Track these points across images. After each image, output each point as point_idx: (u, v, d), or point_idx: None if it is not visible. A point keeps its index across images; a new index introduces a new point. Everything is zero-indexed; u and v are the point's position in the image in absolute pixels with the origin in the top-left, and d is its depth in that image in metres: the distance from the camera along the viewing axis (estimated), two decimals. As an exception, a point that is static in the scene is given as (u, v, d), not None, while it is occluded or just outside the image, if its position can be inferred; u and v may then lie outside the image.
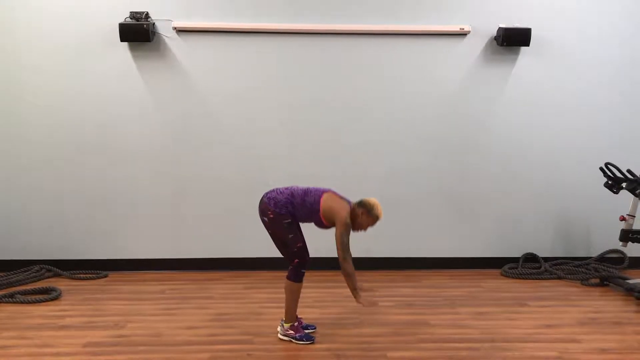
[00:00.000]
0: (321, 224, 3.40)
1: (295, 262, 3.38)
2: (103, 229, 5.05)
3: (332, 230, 3.38)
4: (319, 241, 3.82)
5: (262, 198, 3.46)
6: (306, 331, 3.51)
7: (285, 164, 5.06)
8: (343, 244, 3.27)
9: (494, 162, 5.17)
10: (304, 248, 3.41)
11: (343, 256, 3.27)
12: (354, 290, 3.32)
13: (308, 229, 3.52)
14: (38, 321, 3.79)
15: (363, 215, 3.32)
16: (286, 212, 3.34)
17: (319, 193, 3.37)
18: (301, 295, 3.46)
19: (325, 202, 3.33)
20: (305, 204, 3.34)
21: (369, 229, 3.43)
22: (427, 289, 4.60)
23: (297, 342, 3.41)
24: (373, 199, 3.36)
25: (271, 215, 3.35)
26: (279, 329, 3.54)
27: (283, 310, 3.53)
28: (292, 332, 3.44)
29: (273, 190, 3.45)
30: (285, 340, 3.46)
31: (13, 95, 4.92)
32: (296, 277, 3.39)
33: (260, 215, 3.45)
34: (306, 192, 3.39)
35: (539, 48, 5.04)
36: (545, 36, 5.04)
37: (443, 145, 5.13)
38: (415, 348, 3.34)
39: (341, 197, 3.42)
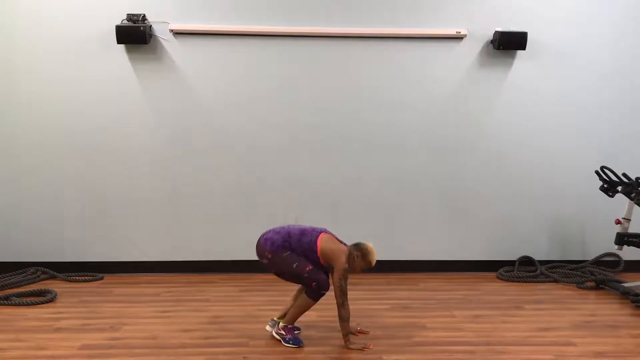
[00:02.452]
0: (318, 264, 3.37)
1: (314, 286, 3.31)
2: (99, 231, 5.04)
3: None
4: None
5: (258, 240, 3.44)
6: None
7: (283, 166, 5.07)
8: (341, 289, 3.29)
9: (490, 165, 5.18)
10: (315, 270, 3.32)
11: (341, 301, 3.29)
12: (346, 335, 3.37)
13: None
14: (33, 323, 3.78)
15: (358, 258, 3.33)
16: (283, 248, 3.34)
17: (315, 233, 3.38)
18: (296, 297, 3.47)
19: (323, 243, 3.34)
20: (302, 244, 3.34)
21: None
22: (423, 291, 4.61)
23: (285, 344, 3.41)
24: (370, 245, 3.36)
25: (269, 256, 3.35)
26: (268, 327, 3.55)
27: (279, 313, 3.54)
28: (283, 332, 3.44)
29: (269, 231, 3.44)
30: (277, 338, 3.46)
31: (9, 98, 4.91)
32: (315, 297, 3.36)
33: (259, 258, 3.44)
34: (302, 232, 3.39)
35: (535, 52, 5.06)
36: (542, 40, 5.06)
37: (439, 148, 5.14)
38: (411, 351, 3.35)
39: (338, 240, 3.45)
